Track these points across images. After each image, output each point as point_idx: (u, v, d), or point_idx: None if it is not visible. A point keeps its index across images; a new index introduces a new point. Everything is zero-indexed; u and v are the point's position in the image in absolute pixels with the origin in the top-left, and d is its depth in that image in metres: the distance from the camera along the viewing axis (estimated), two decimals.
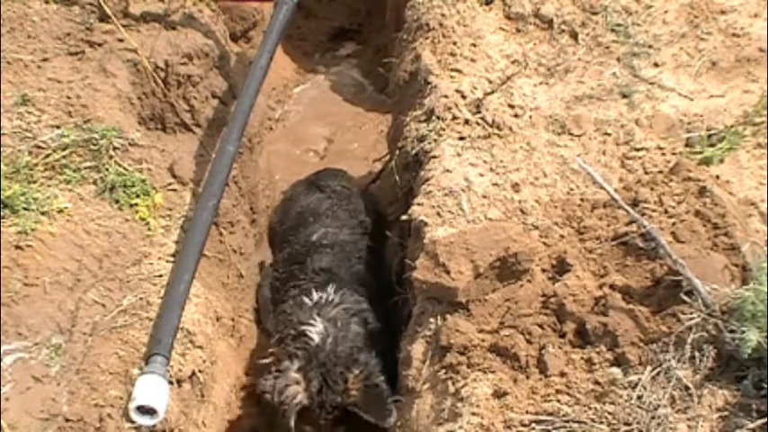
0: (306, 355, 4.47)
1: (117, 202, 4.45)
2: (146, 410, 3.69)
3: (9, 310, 3.86)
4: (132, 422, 3.68)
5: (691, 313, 3.49)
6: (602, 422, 3.40)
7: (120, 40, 5.07)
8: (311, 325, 4.61)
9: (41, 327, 3.88)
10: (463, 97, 4.88)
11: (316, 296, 4.83)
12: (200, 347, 4.23)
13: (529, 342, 3.76)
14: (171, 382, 3.87)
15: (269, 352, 4.76)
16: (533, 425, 3.47)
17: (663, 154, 4.51)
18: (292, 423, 4.27)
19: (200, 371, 4.20)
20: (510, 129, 4.72)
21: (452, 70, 5.05)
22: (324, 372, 4.36)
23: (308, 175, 6.26)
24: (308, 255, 5.23)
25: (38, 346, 3.81)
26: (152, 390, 3.72)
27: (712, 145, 4.46)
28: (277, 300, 5.25)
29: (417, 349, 4.13)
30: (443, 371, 3.89)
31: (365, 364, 4.42)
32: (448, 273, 3.97)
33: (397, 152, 5.11)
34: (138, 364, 3.86)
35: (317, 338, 4.53)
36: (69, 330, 3.90)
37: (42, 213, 4.22)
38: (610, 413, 3.42)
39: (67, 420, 3.60)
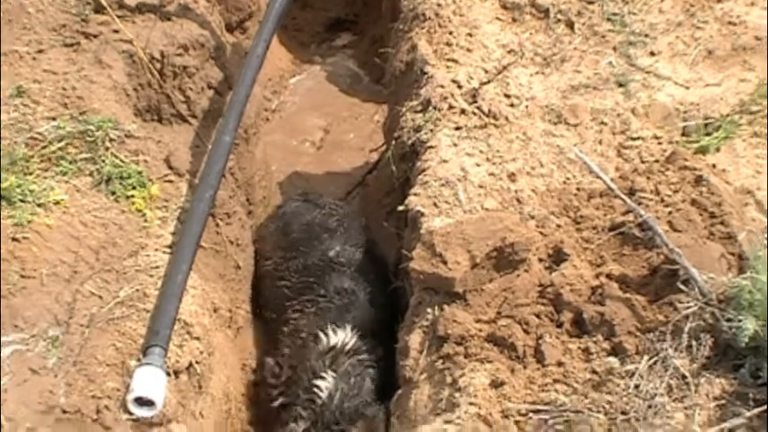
0: (312, 415, 4.55)
1: (113, 193, 4.44)
2: (144, 402, 3.69)
3: (6, 302, 3.86)
4: (130, 414, 3.68)
5: (687, 302, 3.50)
6: (599, 411, 3.41)
7: (116, 32, 5.05)
8: (322, 379, 4.65)
9: (38, 319, 3.87)
10: (459, 87, 4.88)
11: (333, 338, 4.82)
12: (198, 339, 4.22)
13: (526, 332, 3.76)
14: (168, 374, 3.87)
15: (277, 396, 4.85)
16: (531, 414, 3.48)
17: (659, 143, 4.51)
18: None
19: (197, 362, 4.19)
20: (506, 118, 4.72)
21: (448, 60, 5.05)
22: None
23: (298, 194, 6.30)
24: (326, 271, 5.29)
25: (35, 338, 3.80)
26: (150, 381, 3.72)
27: (709, 134, 4.46)
28: (287, 307, 5.30)
29: (415, 339, 4.13)
30: (441, 361, 3.89)
31: (372, 417, 4.47)
32: (445, 263, 3.97)
33: (394, 142, 5.11)
34: (136, 355, 3.85)
35: (324, 395, 4.58)
36: (66, 322, 3.89)
37: (39, 205, 4.20)
38: (607, 402, 3.43)
39: (65, 412, 3.59)
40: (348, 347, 4.79)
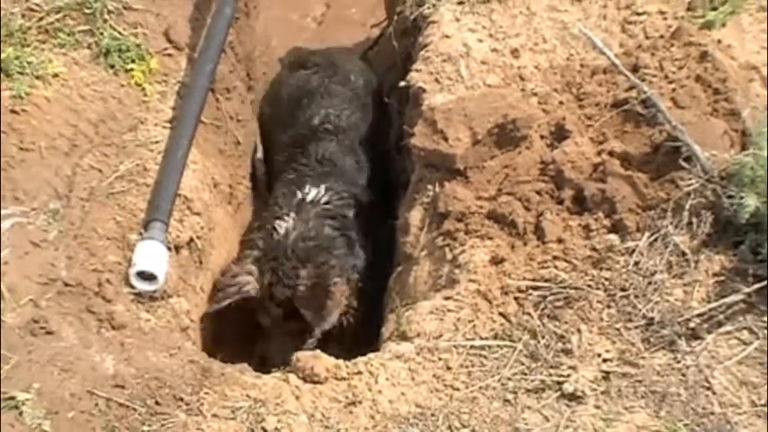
0: (266, 245, 4.53)
1: (112, 66, 4.39)
2: (146, 276, 3.71)
3: (5, 174, 3.85)
4: (133, 287, 3.70)
5: (689, 179, 3.51)
6: (598, 288, 3.44)
7: None
8: (283, 219, 4.63)
9: (38, 192, 3.87)
10: None
11: (305, 191, 4.78)
12: (198, 214, 4.24)
13: (527, 209, 3.77)
14: (169, 249, 3.88)
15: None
16: (530, 291, 3.51)
17: (664, 18, 4.44)
18: (217, 307, 4.31)
19: (198, 237, 4.22)
20: None
21: None
22: (275, 265, 4.40)
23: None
24: (311, 140, 5.16)
25: (35, 212, 3.81)
26: (152, 255, 3.74)
27: (714, 8, 4.38)
28: (276, 176, 5.30)
29: (415, 216, 4.15)
30: (441, 238, 3.92)
31: (321, 263, 4.43)
32: (446, 140, 3.96)
33: (395, 17, 5.06)
34: (137, 229, 3.87)
35: (282, 232, 4.56)
36: (66, 195, 3.89)
37: (37, 77, 4.16)
38: (606, 279, 3.45)
39: (67, 285, 3.62)
40: (315, 200, 4.73)
